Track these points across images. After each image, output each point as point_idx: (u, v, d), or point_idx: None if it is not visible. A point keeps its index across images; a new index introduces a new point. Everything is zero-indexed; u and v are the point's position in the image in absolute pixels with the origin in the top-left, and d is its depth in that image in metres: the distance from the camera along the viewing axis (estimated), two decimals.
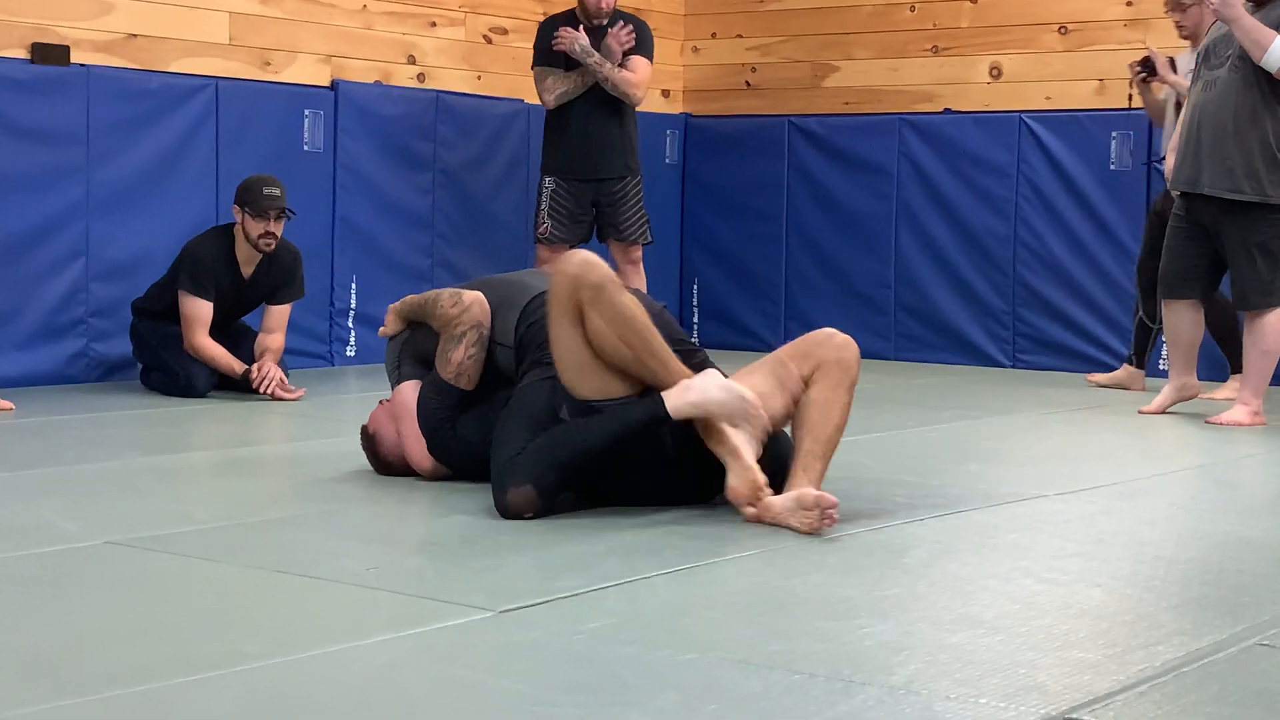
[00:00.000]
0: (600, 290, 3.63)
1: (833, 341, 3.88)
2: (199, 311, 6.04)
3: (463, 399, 4.07)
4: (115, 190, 6.51)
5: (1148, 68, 6.85)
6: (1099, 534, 3.72)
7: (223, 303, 6.12)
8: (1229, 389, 6.58)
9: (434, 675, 2.49)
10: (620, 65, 7.02)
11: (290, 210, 6.14)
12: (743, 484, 3.67)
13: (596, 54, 6.98)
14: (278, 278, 6.24)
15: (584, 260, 3.67)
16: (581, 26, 7.06)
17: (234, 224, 6.16)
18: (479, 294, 4.10)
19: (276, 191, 6.07)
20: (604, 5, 7.02)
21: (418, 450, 4.12)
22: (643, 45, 7.10)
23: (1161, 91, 6.95)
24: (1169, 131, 6.80)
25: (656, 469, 3.79)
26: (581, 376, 3.71)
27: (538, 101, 7.27)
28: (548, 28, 7.15)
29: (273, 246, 6.10)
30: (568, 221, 7.11)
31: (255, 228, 6.06)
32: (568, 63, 7.05)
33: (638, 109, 7.29)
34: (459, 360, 4.03)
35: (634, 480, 3.81)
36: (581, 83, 7.02)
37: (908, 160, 8.21)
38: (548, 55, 7.08)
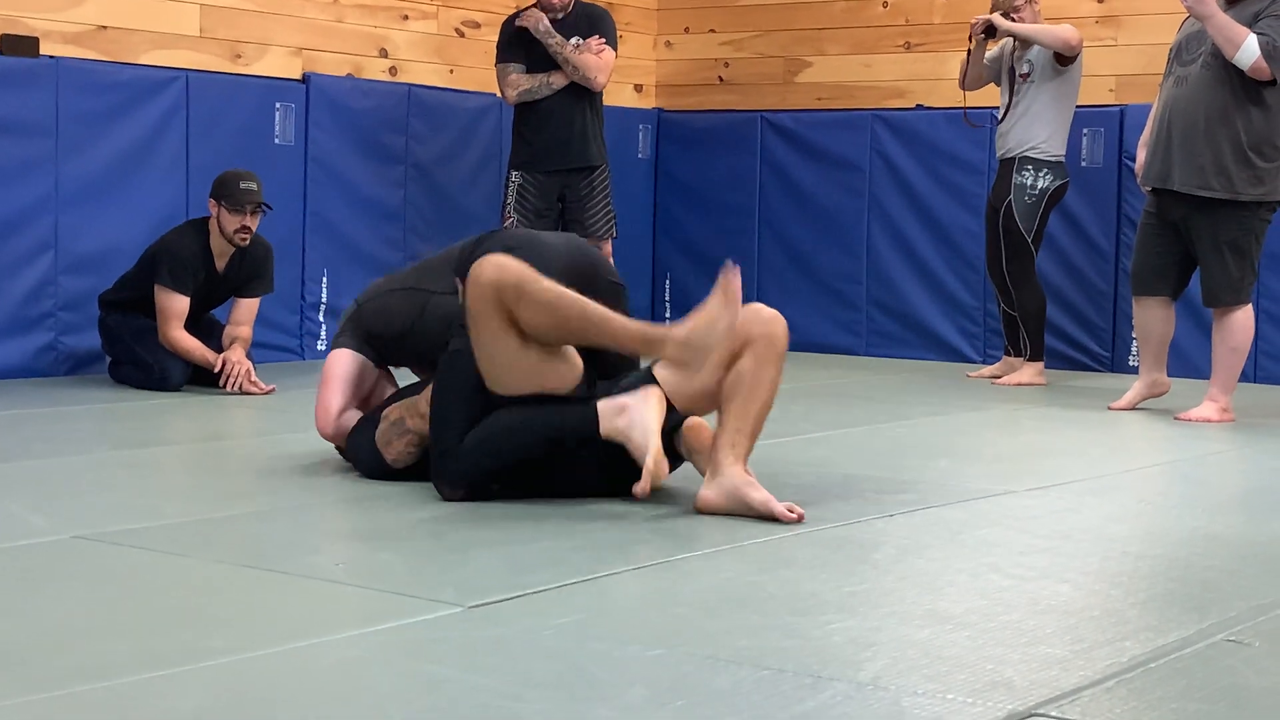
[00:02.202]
0: (521, 287, 3.62)
1: (760, 316, 3.87)
2: (177, 306, 6.01)
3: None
4: (84, 183, 6.47)
5: (988, 31, 7.03)
6: (1067, 530, 3.73)
7: (195, 296, 6.09)
8: (1028, 370, 7.01)
9: (402, 671, 2.48)
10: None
11: (266, 205, 6.13)
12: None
13: (558, 35, 6.97)
14: (249, 271, 6.22)
15: (496, 264, 3.65)
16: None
17: (208, 218, 6.13)
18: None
19: (253, 186, 6.06)
20: (556, 0, 7.02)
21: (322, 415, 4.24)
22: (606, 33, 7.10)
23: (990, 53, 7.20)
24: (971, 82, 7.22)
25: (585, 467, 3.85)
26: (504, 374, 3.73)
27: None
28: (511, 25, 7.13)
29: (248, 241, 6.09)
30: (533, 217, 7.09)
31: (231, 222, 6.04)
32: (530, 58, 7.03)
33: (609, 103, 7.27)
34: (396, 453, 4.07)
35: (563, 475, 3.87)
36: (547, 84, 7.00)
37: (880, 156, 8.22)
38: (510, 50, 7.07)
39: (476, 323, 3.72)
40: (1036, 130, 6.96)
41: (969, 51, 7.19)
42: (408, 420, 4.04)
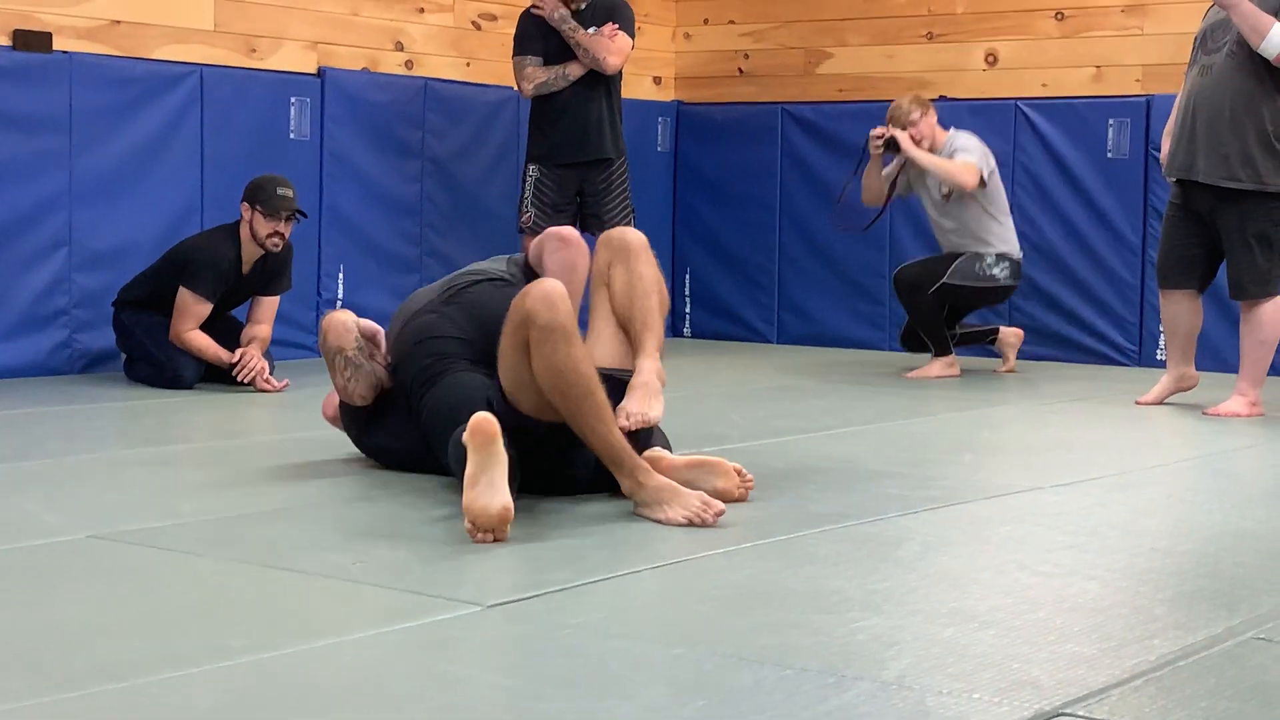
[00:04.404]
0: (546, 334, 3.55)
1: (608, 238, 4.01)
2: (199, 310, 6.00)
3: (371, 413, 4.24)
4: (98, 179, 6.45)
5: (890, 145, 6.93)
6: (1094, 526, 3.69)
7: (218, 300, 6.08)
8: (940, 365, 6.94)
9: (421, 670, 2.46)
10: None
11: (301, 212, 6.10)
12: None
13: (571, 20, 6.94)
14: (272, 271, 6.21)
15: (545, 295, 3.58)
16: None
17: (239, 222, 6.10)
18: (335, 317, 4.23)
19: (290, 193, 6.04)
20: None
21: (328, 399, 4.43)
22: (622, 22, 7.07)
23: (888, 170, 7.10)
24: (874, 198, 7.10)
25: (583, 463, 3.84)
26: (519, 392, 3.69)
27: None
28: (528, 16, 7.11)
29: (280, 247, 6.06)
30: (551, 211, 7.07)
31: (265, 227, 6.02)
32: (547, 51, 7.00)
33: (628, 96, 7.24)
34: (339, 385, 4.23)
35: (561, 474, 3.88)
36: (563, 75, 6.97)
37: None
38: (527, 43, 7.05)
39: (504, 333, 3.68)
40: (981, 236, 6.88)
41: (860, 162, 7.12)
42: (326, 358, 4.19)
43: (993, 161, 6.93)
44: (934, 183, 6.95)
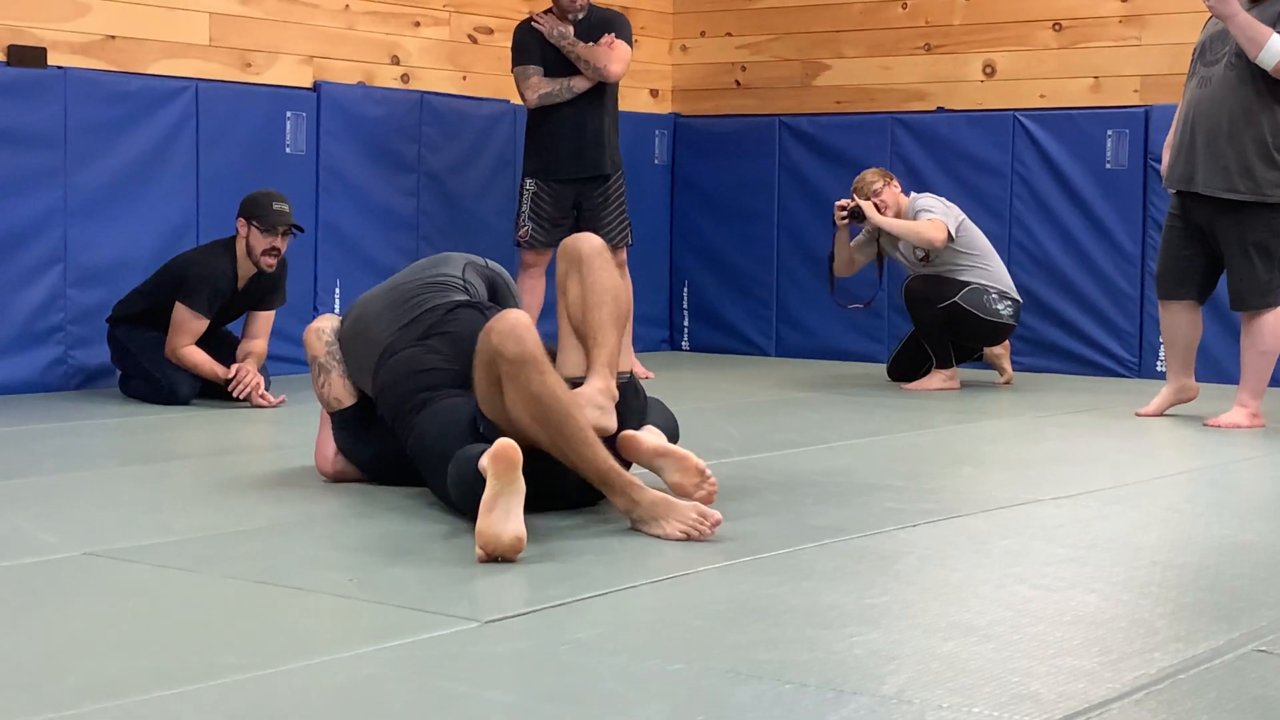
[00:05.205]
0: (517, 367, 3.54)
1: (564, 251, 3.93)
2: (195, 326, 5.99)
3: (360, 419, 4.22)
4: (93, 194, 6.44)
5: (855, 214, 6.96)
6: (1094, 539, 3.68)
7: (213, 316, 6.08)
8: (939, 378, 6.95)
9: (418, 687, 2.45)
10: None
11: (298, 227, 6.09)
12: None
13: (571, 36, 6.96)
14: (267, 286, 6.20)
15: (510, 328, 3.57)
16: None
17: (234, 237, 6.09)
18: (311, 326, 4.31)
19: (285, 208, 6.03)
20: (578, 1, 7.01)
21: (320, 458, 4.31)
22: (620, 32, 7.08)
23: (859, 238, 7.16)
24: (843, 267, 7.17)
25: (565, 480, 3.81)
26: (496, 424, 3.68)
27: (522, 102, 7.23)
28: (524, 28, 7.12)
29: (274, 268, 6.04)
30: (548, 225, 7.07)
31: (261, 243, 6.00)
32: (545, 62, 7.01)
33: (624, 109, 7.23)
34: (317, 393, 4.28)
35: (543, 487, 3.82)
36: (568, 87, 6.98)
37: (900, 160, 8.16)
38: (526, 53, 7.05)
39: (475, 369, 3.69)
40: (971, 278, 6.89)
41: (834, 235, 7.14)
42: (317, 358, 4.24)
43: (958, 212, 6.98)
44: (907, 247, 6.99)
